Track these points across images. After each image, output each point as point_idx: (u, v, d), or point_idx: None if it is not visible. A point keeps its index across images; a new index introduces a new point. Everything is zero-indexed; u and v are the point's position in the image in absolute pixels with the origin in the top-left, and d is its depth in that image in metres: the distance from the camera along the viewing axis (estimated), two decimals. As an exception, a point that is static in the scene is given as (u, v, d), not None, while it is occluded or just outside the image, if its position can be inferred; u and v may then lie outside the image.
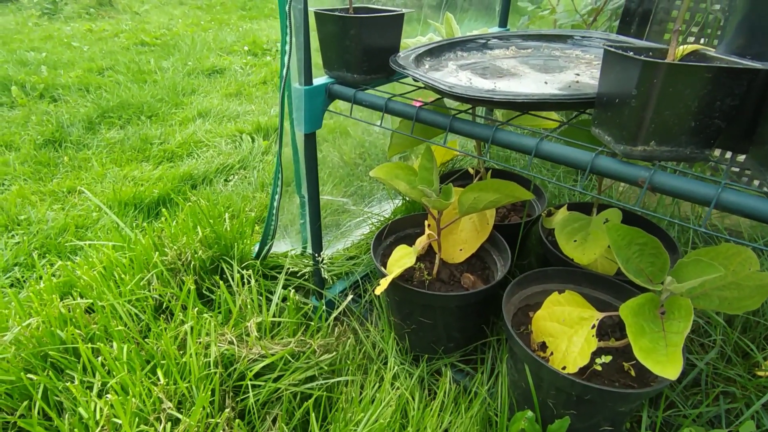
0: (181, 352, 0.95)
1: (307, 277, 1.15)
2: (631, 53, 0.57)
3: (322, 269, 1.06)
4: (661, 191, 0.57)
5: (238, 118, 2.70)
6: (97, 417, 0.78)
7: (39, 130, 2.39)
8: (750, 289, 0.69)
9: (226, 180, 2.03)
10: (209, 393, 0.81)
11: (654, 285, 0.68)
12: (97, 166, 2.14)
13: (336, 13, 0.81)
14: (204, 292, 1.14)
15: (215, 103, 2.87)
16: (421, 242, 1.03)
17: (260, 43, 4.18)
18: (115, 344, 0.91)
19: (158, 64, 3.60)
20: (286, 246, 1.26)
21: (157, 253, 1.12)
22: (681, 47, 0.59)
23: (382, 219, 1.36)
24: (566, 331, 0.80)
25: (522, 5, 1.77)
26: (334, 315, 1.02)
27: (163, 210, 1.76)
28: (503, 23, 1.29)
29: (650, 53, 0.61)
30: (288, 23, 0.72)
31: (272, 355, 0.91)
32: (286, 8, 0.71)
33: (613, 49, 0.57)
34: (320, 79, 0.90)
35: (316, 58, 0.87)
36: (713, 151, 0.60)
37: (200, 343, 0.93)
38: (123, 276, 1.09)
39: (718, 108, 0.52)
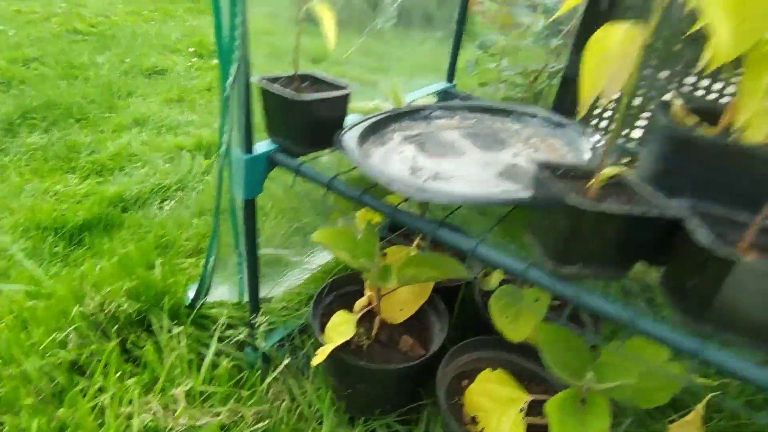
0: (99, 422, 0.89)
1: (242, 331, 1.11)
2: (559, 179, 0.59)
3: (259, 328, 1.03)
4: (585, 310, 0.60)
5: (179, 128, 2.56)
6: None
7: (-54, 132, 2.15)
8: (661, 380, 0.75)
9: (162, 201, 1.92)
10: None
11: (577, 380, 0.72)
12: (15, 176, 1.96)
13: (281, 94, 0.77)
14: (128, 347, 1.07)
15: (154, 109, 2.71)
16: (361, 305, 1.03)
17: (207, 44, 3.99)
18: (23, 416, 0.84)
19: (92, 58, 3.34)
20: (222, 293, 1.21)
21: (77, 305, 1.04)
22: (606, 170, 0.62)
23: (323, 265, 1.35)
24: (496, 409, 0.83)
25: (472, 49, 1.82)
26: (269, 378, 0.99)
27: (87, 239, 1.64)
28: (450, 78, 1.33)
29: (571, 175, 0.64)
30: (229, 104, 0.69)
31: (200, 427, 0.88)
32: (232, 89, 0.68)
33: (544, 177, 0.60)
34: (262, 144, 0.87)
35: (257, 117, 0.84)
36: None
37: (121, 414, 0.87)
38: (36, 329, 1.01)
39: (635, 241, 0.56)
